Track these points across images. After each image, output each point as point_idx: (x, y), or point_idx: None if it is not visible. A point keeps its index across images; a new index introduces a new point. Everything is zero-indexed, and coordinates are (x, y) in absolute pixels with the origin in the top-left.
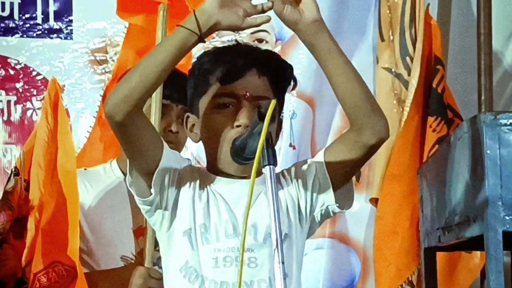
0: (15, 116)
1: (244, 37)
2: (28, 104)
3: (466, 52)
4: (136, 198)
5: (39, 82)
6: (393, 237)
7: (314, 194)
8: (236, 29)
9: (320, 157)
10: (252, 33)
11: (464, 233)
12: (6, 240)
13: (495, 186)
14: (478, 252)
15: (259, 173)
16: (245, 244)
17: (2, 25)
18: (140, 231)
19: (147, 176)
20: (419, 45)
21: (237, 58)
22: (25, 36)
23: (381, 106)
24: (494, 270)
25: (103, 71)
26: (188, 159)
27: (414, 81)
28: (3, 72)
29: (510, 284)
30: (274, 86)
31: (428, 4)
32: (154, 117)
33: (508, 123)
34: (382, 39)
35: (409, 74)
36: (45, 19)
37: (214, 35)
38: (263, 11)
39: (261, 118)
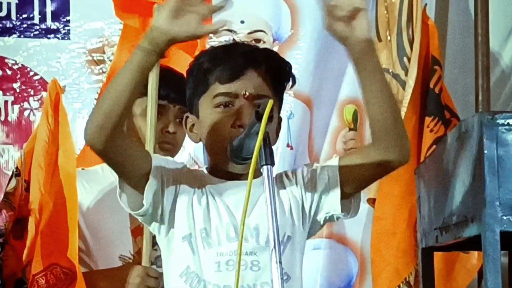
0: (13, 116)
1: (242, 37)
2: (26, 104)
3: (464, 53)
4: (128, 210)
5: (37, 82)
6: (391, 237)
7: (322, 199)
8: (195, 38)
9: (334, 164)
10: (249, 33)
11: (462, 233)
12: (7, 241)
13: (493, 186)
14: (476, 252)
15: (260, 174)
16: (247, 247)
17: (0, 25)
18: (138, 230)
19: (138, 190)
20: (416, 45)
21: (236, 57)
22: (22, 36)
23: None
24: (491, 271)
25: (101, 71)
26: (182, 163)
27: (411, 82)
28: (0, 72)
29: (508, 284)
30: (273, 84)
31: (426, 4)
32: (150, 118)
33: (505, 123)
34: (379, 39)
35: (406, 75)
36: (43, 19)
37: (211, 35)
38: (220, 9)
39: (259, 118)
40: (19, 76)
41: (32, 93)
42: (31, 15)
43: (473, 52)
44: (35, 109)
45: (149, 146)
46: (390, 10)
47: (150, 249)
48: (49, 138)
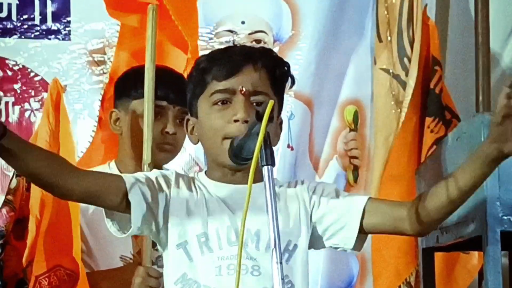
0: (13, 117)
1: (242, 38)
2: (26, 105)
3: (464, 53)
4: (120, 236)
5: (37, 83)
6: (391, 238)
7: (337, 231)
8: None
9: (361, 202)
10: (250, 34)
11: (462, 234)
12: (8, 242)
13: (493, 186)
14: (476, 253)
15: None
16: (248, 252)
17: (0, 26)
18: None
19: (126, 211)
20: (416, 45)
21: (233, 55)
22: (23, 37)
23: (379, 108)
24: (492, 271)
25: (101, 72)
26: (173, 171)
27: (411, 82)
28: (1, 73)
29: (508, 284)
30: (271, 82)
31: (426, 5)
32: (147, 119)
33: None
34: (380, 40)
35: (406, 75)
36: (43, 20)
37: (212, 36)
38: None
39: (259, 118)
40: (19, 77)
41: (32, 94)
42: (32, 16)
43: (474, 52)
44: (36, 110)
45: (146, 147)
46: (390, 11)
47: (151, 249)
48: (50, 137)
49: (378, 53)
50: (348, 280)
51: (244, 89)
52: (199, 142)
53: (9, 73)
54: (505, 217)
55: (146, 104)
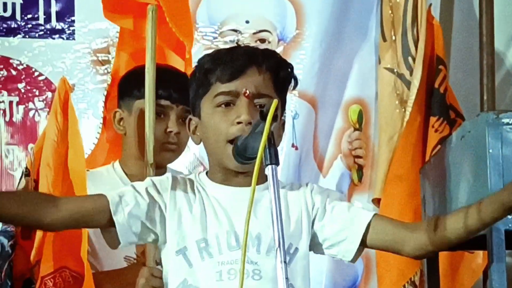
0: (17, 116)
1: (247, 37)
2: (30, 105)
3: (468, 53)
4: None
5: (41, 82)
6: None
7: (338, 242)
8: None
9: (366, 217)
10: (254, 33)
11: None
12: (16, 242)
13: (498, 185)
14: (481, 252)
15: (262, 181)
16: (248, 256)
17: (4, 25)
18: None
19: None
20: (421, 45)
21: (237, 57)
22: (27, 36)
23: (383, 107)
24: (496, 270)
25: (106, 71)
26: (168, 176)
27: (416, 82)
28: (5, 73)
29: None
30: (274, 84)
31: (430, 4)
32: (149, 119)
33: (510, 122)
34: (384, 39)
35: (411, 74)
36: (47, 19)
37: (216, 35)
38: None
39: (263, 117)
40: (24, 76)
41: (37, 93)
42: (36, 16)
43: (478, 52)
44: (40, 109)
45: (148, 148)
46: (395, 10)
47: (154, 249)
48: (58, 137)
49: (383, 52)
50: (352, 280)
51: (248, 91)
52: (201, 143)
53: (14, 72)
54: (510, 216)
55: (147, 105)
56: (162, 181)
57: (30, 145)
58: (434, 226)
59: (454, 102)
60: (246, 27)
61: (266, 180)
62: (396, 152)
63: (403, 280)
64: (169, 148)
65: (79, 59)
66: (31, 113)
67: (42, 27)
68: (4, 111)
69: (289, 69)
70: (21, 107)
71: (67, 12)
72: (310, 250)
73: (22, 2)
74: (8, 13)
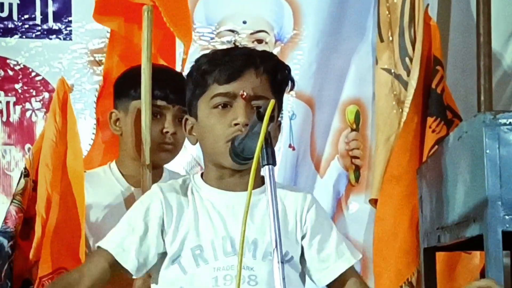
0: (14, 117)
1: (244, 37)
2: (27, 105)
3: (466, 53)
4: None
5: (38, 83)
6: (393, 237)
7: (313, 269)
8: None
9: (344, 264)
10: (251, 33)
11: (464, 233)
12: (16, 242)
13: (495, 185)
14: (478, 253)
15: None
16: (244, 262)
17: (1, 26)
18: None
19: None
20: (418, 45)
21: (235, 59)
22: (24, 37)
23: (380, 107)
24: (493, 270)
25: (102, 72)
26: (159, 188)
27: (413, 82)
28: (2, 73)
29: (510, 284)
30: (272, 86)
31: (428, 4)
32: (145, 120)
33: (507, 122)
34: (382, 40)
35: (408, 75)
36: (44, 20)
37: (213, 35)
38: None
39: (260, 118)
40: (20, 76)
41: (34, 93)
42: (33, 16)
43: (475, 52)
44: (37, 109)
45: (145, 147)
46: (392, 11)
47: None
48: (57, 137)
49: (380, 53)
50: None
51: (245, 93)
52: (197, 143)
53: (10, 72)
54: (507, 217)
55: (143, 105)
56: (153, 200)
57: (27, 146)
58: None
59: (451, 102)
60: (243, 27)
61: (262, 183)
62: (393, 152)
63: (400, 281)
64: (165, 149)
65: (76, 60)
66: (28, 114)
67: (39, 28)
68: (1, 111)
69: (287, 71)
70: (18, 108)
71: (64, 12)
72: None
73: (19, 2)
74: (5, 13)
